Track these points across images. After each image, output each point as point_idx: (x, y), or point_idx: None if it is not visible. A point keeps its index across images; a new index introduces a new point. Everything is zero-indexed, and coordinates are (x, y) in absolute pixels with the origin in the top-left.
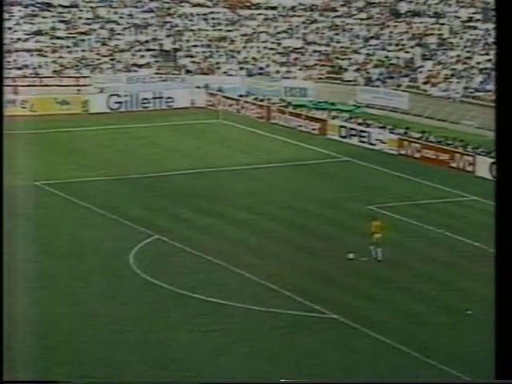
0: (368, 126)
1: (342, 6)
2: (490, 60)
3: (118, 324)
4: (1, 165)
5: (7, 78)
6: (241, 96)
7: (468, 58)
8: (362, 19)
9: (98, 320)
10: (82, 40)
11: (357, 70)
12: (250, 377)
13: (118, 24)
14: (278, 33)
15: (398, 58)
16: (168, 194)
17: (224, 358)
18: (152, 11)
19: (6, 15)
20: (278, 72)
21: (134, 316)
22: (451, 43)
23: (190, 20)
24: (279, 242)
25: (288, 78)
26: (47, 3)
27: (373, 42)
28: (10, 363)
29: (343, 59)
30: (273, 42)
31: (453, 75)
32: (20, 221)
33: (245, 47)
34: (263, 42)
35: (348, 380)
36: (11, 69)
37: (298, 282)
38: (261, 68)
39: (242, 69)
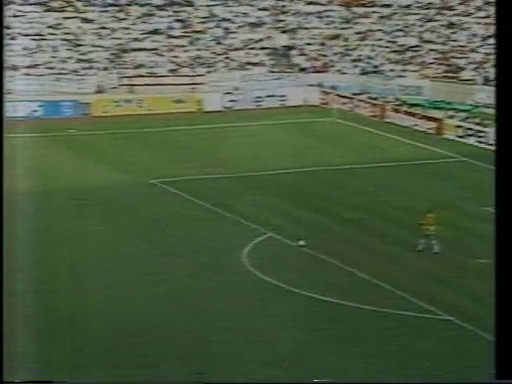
0: (486, 126)
1: (459, 4)
2: None
3: (229, 321)
4: (1, 166)
5: (124, 77)
6: (354, 94)
7: None
8: (481, 18)
9: (208, 316)
10: (197, 39)
11: (475, 69)
12: (361, 378)
13: (233, 22)
14: (393, 31)
15: None
16: (280, 193)
17: (334, 358)
18: (266, 9)
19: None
20: (392, 70)
21: (246, 313)
22: None
23: (304, 18)
24: (391, 241)
25: (403, 76)
26: (164, 3)
27: (491, 41)
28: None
29: (460, 58)
30: (388, 41)
31: None
32: (135, 218)
33: (359, 45)
34: (378, 40)
35: (348, 380)
36: (127, 68)
37: (410, 283)
38: (375, 66)
39: (355, 67)
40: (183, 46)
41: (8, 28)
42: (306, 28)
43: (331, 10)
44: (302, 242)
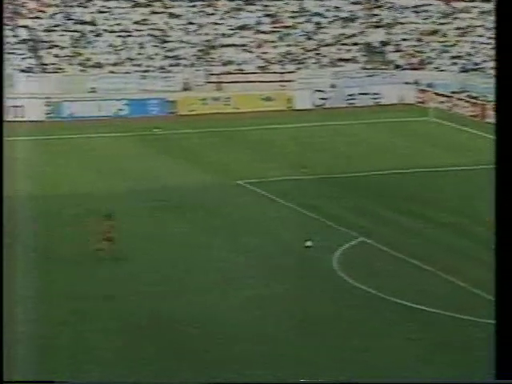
0: None
1: None
2: None
3: (318, 325)
4: (1, 168)
5: (211, 74)
6: (453, 93)
7: None
8: None
9: (294, 321)
10: (287, 34)
11: None
12: None
13: (324, 17)
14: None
15: None
16: (372, 195)
17: (427, 369)
18: (359, 3)
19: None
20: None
21: (335, 320)
22: None
23: (400, 12)
24: (490, 247)
25: None
26: None
27: None
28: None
29: None
30: (489, 37)
31: None
32: (221, 219)
33: (458, 41)
34: (479, 36)
35: (348, 380)
36: (215, 65)
37: None
38: (476, 64)
39: (454, 64)
40: (272, 42)
41: (93, 24)
42: (401, 23)
43: (429, 4)
44: (309, 243)
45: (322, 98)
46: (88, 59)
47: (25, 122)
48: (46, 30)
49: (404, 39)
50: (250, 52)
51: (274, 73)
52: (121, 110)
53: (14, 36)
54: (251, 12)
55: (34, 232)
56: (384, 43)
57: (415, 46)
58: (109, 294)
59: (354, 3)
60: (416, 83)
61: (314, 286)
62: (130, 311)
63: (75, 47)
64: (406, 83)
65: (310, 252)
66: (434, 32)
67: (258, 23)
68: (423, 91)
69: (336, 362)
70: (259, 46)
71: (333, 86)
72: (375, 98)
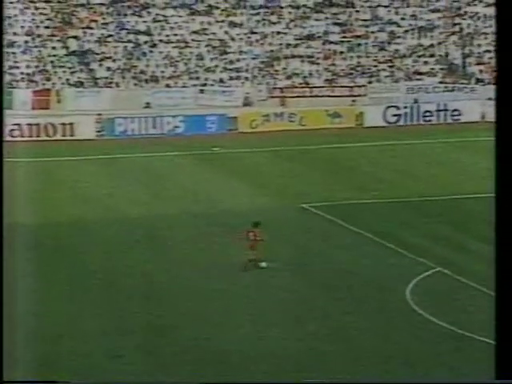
0: None
1: None
2: None
3: (390, 364)
4: (1, 175)
5: (274, 88)
6: None
7: None
8: None
9: (368, 359)
10: (358, 44)
11: None
12: None
13: (399, 26)
14: None
15: None
16: (453, 221)
17: None
18: (439, 11)
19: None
20: None
21: (409, 357)
22: None
23: (483, 21)
24: None
25: None
26: (321, 3)
27: None
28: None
29: None
30: None
31: None
32: (282, 247)
33: None
34: None
35: (348, 380)
36: (279, 78)
37: None
38: None
39: None
40: (342, 53)
41: (148, 34)
42: (484, 33)
43: None
44: (264, 264)
45: (396, 115)
46: (142, 72)
47: (74, 140)
48: (97, 41)
49: (487, 51)
50: (317, 64)
51: (343, 86)
52: (177, 126)
53: (64, 47)
54: (319, 20)
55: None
56: (465, 55)
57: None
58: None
59: (432, 11)
60: None
61: (386, 320)
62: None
63: (129, 59)
64: (489, 99)
65: (382, 283)
66: None
67: (326, 32)
68: None
69: None
70: (327, 58)
71: (408, 102)
72: (455, 115)
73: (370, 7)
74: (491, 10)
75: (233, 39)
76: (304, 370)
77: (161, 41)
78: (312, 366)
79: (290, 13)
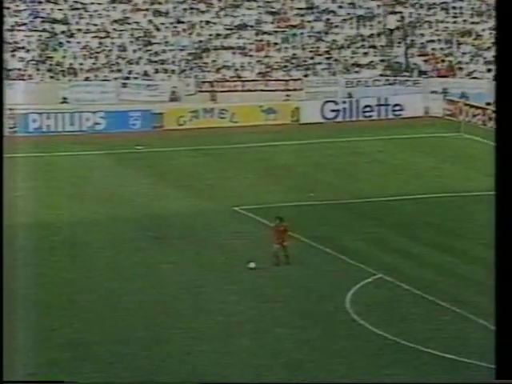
0: None
1: None
2: None
3: (330, 378)
4: (1, 170)
5: (204, 82)
6: (488, 104)
7: None
8: None
9: (303, 374)
10: (293, 35)
11: None
12: None
13: (337, 15)
14: None
15: None
16: (393, 224)
17: None
18: None
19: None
20: None
21: (351, 371)
22: None
23: (428, 9)
24: None
25: None
26: None
27: None
28: None
29: None
30: None
31: None
32: (216, 254)
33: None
34: None
35: (348, 380)
36: (209, 71)
37: None
38: None
39: (489, 71)
40: (276, 44)
41: (65, 23)
42: (427, 22)
43: (460, 1)
44: (252, 265)
45: (334, 110)
46: (59, 64)
47: None
48: (9, 30)
49: (430, 41)
50: (250, 56)
51: (277, 80)
52: (97, 123)
53: None
54: (251, 9)
55: None
56: (406, 46)
57: (443, 48)
58: None
59: None
60: (444, 93)
61: (325, 331)
62: None
63: (44, 50)
64: (433, 92)
65: (320, 291)
66: (467, 33)
67: (259, 22)
68: (453, 102)
69: None
70: (260, 49)
71: (345, 97)
72: (396, 110)
73: None
74: None
75: (158, 29)
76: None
77: (79, 30)
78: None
79: (219, 0)
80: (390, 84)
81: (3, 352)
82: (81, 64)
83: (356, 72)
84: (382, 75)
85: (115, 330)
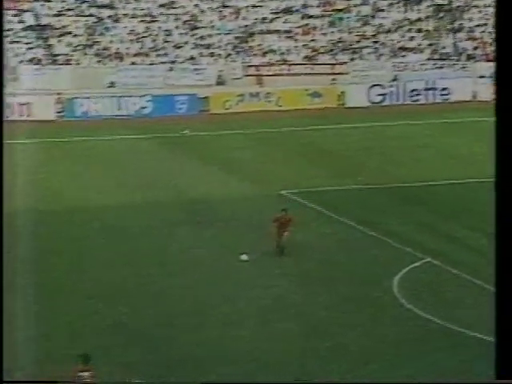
0: None
1: None
2: None
3: (377, 363)
4: (1, 168)
5: (250, 66)
6: None
7: None
8: None
9: (353, 359)
10: (340, 19)
11: None
12: None
13: None
14: None
15: None
16: (439, 208)
17: None
18: None
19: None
20: None
21: (396, 356)
22: None
23: None
24: None
25: None
26: None
27: None
28: None
29: None
30: None
31: None
32: (261, 239)
33: None
34: None
35: (348, 380)
36: (255, 55)
37: None
38: None
39: None
40: (322, 28)
41: (111, 8)
42: (475, 6)
43: None
44: (244, 257)
45: (381, 94)
46: (106, 49)
47: (32, 121)
48: (56, 15)
49: (479, 25)
50: (295, 40)
51: (323, 64)
52: (144, 107)
53: (20, 22)
54: None
55: None
56: (455, 30)
57: (491, 33)
58: None
59: None
60: (493, 77)
61: (372, 316)
62: None
63: (91, 35)
64: (481, 77)
65: (367, 275)
66: None
67: (305, 6)
68: None
69: None
70: (306, 33)
71: (393, 80)
72: (444, 95)
73: None
74: None
75: (204, 13)
76: (283, 370)
77: (125, 15)
78: (291, 364)
79: None
80: (437, 68)
81: (3, 352)
82: (127, 48)
83: (403, 56)
84: (429, 59)
85: (158, 314)
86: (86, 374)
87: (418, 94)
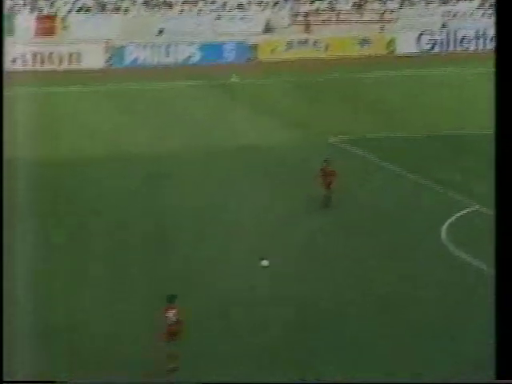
0: None
1: None
2: None
3: (425, 309)
4: (1, 167)
5: (298, 13)
6: None
7: None
8: None
9: (401, 304)
10: None
11: None
12: None
13: None
14: None
15: None
16: (489, 157)
17: None
18: None
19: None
20: None
21: (444, 303)
22: None
23: None
24: None
25: None
26: None
27: None
28: None
29: None
30: None
31: None
32: (309, 187)
33: None
34: None
35: (348, 380)
36: (303, 3)
37: None
38: None
39: None
40: None
41: None
42: None
43: None
44: (265, 262)
45: (431, 42)
46: None
47: (81, 70)
48: None
49: None
50: None
51: (372, 11)
52: (192, 55)
53: None
54: None
55: None
56: None
57: None
58: None
59: None
60: None
61: (423, 264)
62: None
63: None
64: None
65: (417, 223)
66: None
67: None
68: None
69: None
70: None
71: (442, 28)
72: None
73: None
74: None
75: None
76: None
77: None
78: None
79: None
80: (487, 17)
81: (3, 352)
82: None
83: (453, 4)
84: (479, 7)
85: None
86: (172, 312)
87: (468, 42)
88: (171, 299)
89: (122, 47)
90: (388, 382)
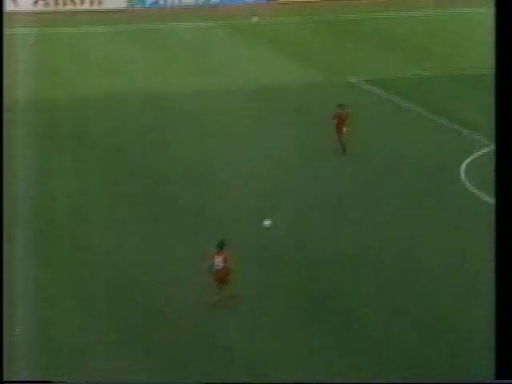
0: None
1: None
2: None
3: (444, 248)
4: (1, 167)
5: None
6: None
7: None
8: None
9: (420, 244)
10: None
11: None
12: None
13: None
14: None
15: None
16: None
17: None
18: None
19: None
20: None
21: (465, 243)
22: None
23: None
24: None
25: None
26: None
27: None
28: None
29: None
30: None
31: None
32: (324, 124)
33: None
34: None
35: (348, 380)
36: None
37: None
38: None
39: None
40: None
41: None
42: None
43: None
44: (267, 223)
45: None
46: None
47: (103, 10)
48: None
49: None
50: None
51: None
52: None
53: None
54: None
55: None
56: None
57: None
58: None
59: None
60: None
61: (440, 203)
62: None
63: None
64: None
65: (435, 162)
66: None
67: None
68: None
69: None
70: None
71: None
72: None
73: None
74: None
75: None
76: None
77: None
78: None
79: None
80: None
81: (3, 352)
82: None
83: None
84: None
85: None
86: (219, 258)
87: None
88: (221, 246)
89: None
90: (388, 382)
